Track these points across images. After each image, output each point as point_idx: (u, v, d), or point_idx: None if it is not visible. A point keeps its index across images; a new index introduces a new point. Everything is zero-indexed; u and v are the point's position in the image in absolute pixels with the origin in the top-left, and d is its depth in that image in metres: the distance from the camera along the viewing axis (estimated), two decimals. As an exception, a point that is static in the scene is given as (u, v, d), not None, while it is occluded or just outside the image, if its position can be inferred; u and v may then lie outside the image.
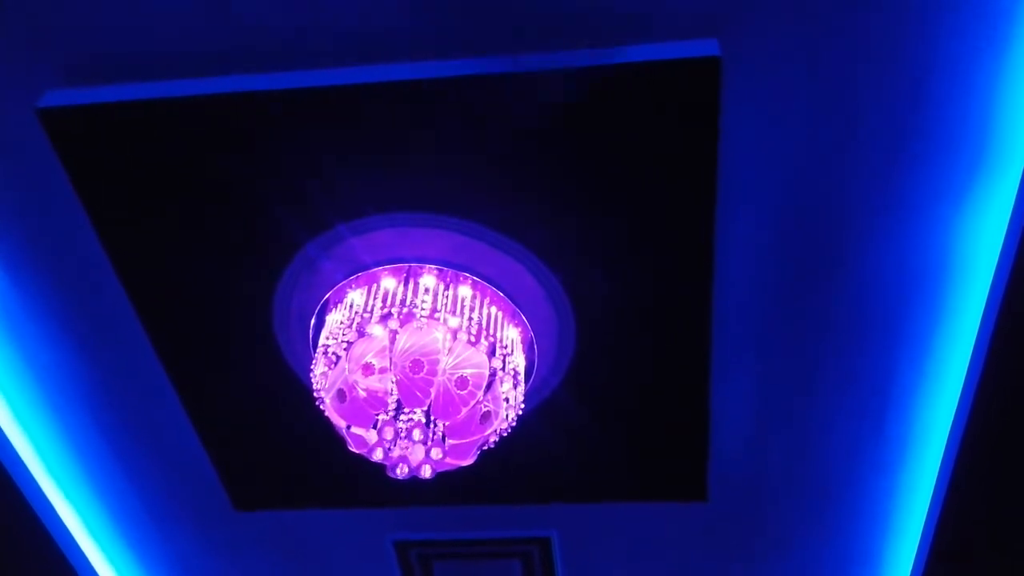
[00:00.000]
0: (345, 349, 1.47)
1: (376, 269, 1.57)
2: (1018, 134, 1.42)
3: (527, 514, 2.09)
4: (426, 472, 1.49)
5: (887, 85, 1.38)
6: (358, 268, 1.57)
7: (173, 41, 1.41)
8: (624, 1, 1.33)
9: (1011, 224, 1.48)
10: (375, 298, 1.53)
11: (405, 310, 1.48)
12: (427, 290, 1.53)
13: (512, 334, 1.59)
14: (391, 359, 1.43)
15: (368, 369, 1.44)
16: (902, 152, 1.45)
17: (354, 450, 1.52)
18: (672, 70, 1.32)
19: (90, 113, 1.42)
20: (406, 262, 1.56)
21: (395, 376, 1.43)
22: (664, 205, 1.47)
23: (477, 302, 1.55)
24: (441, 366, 1.44)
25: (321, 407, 1.52)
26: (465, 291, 1.55)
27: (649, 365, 1.70)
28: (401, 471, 1.49)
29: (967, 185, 1.48)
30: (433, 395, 1.44)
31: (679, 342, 1.66)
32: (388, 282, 1.55)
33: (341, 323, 1.52)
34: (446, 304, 1.52)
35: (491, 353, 1.50)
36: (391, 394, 1.43)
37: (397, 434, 1.45)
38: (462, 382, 1.46)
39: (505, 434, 1.58)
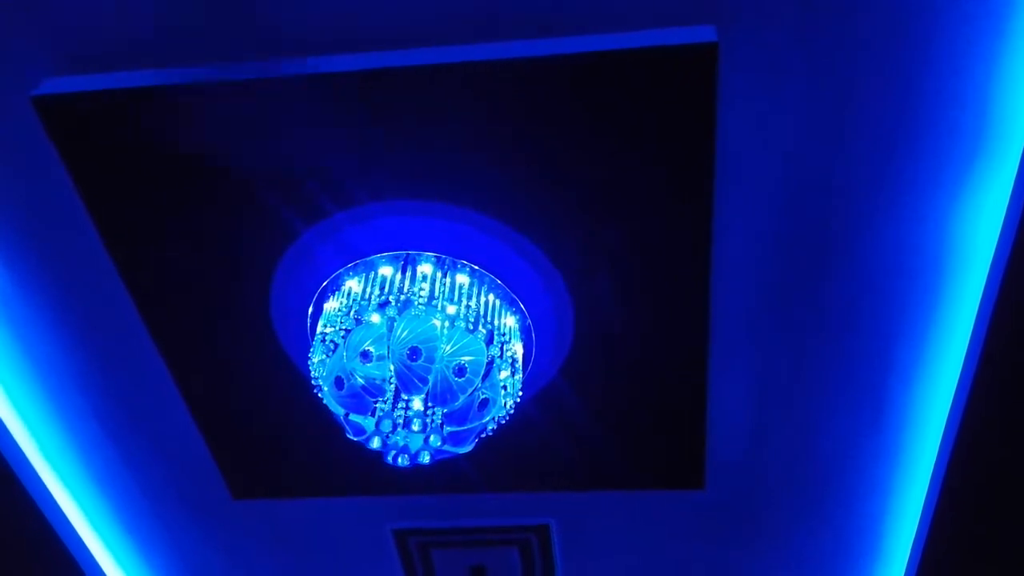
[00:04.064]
0: (343, 337, 1.47)
1: (374, 257, 1.56)
2: (1015, 121, 1.41)
3: (525, 502, 2.09)
4: (425, 458, 1.50)
5: (884, 72, 1.38)
6: (356, 256, 1.57)
7: (170, 28, 1.41)
8: (622, -13, 1.33)
9: (1008, 213, 1.48)
10: (373, 286, 1.53)
11: (403, 297, 1.48)
12: (425, 277, 1.53)
13: (510, 322, 1.59)
14: (389, 347, 1.43)
15: (366, 356, 1.44)
16: (899, 139, 1.45)
17: (352, 438, 1.52)
18: (669, 56, 1.32)
19: (86, 101, 1.42)
20: (404, 250, 1.56)
21: (393, 364, 1.43)
22: (661, 192, 1.47)
23: (475, 290, 1.55)
24: (439, 353, 1.44)
25: (319, 395, 1.53)
26: (463, 278, 1.55)
27: (647, 353, 1.70)
28: (401, 460, 1.49)
29: (964, 173, 1.48)
30: (431, 383, 1.44)
31: (677, 330, 1.66)
32: (386, 270, 1.55)
33: (339, 311, 1.52)
34: (444, 292, 1.52)
35: (489, 341, 1.50)
36: (389, 382, 1.44)
37: (395, 423, 1.46)
38: (460, 370, 1.46)
39: (503, 422, 1.58)
